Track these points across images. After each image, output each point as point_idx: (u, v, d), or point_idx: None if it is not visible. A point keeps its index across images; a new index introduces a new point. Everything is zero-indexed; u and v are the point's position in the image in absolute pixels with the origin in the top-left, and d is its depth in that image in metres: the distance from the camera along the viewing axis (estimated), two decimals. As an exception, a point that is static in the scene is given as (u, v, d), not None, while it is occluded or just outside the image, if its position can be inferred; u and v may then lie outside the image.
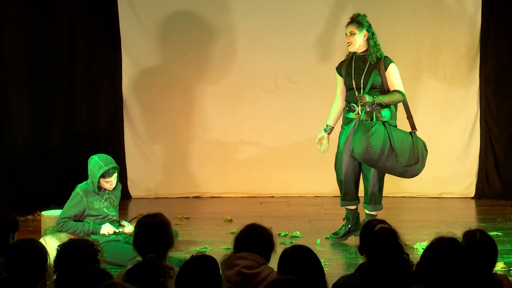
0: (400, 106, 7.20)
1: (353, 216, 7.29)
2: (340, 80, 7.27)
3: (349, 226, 7.27)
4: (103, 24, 9.47)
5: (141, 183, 9.66)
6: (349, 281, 4.18)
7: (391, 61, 7.13)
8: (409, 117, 7.15)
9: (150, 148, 9.65)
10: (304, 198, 9.40)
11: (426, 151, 7.11)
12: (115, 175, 6.77)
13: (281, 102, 9.41)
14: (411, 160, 6.95)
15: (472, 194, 9.39)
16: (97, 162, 6.71)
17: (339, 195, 7.34)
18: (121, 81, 9.56)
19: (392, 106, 7.07)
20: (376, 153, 6.78)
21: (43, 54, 9.16)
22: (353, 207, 7.30)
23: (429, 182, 9.33)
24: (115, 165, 6.79)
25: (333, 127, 7.33)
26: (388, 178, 9.15)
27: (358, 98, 6.94)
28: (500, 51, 9.20)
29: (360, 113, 7.01)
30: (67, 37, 9.29)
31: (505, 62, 9.20)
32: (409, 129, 7.17)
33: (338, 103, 7.31)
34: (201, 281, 3.84)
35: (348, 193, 7.23)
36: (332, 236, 7.25)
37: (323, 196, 9.19)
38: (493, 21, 9.16)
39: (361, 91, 7.04)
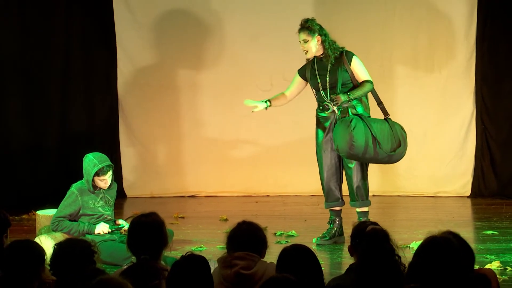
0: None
1: (338, 218, 7.30)
2: (296, 81, 7.33)
3: (335, 228, 7.27)
4: (99, 22, 9.46)
5: (136, 182, 9.66)
6: (340, 282, 4.19)
7: (353, 54, 7.16)
8: (380, 104, 7.18)
9: (146, 147, 9.65)
10: (300, 197, 9.41)
11: (405, 132, 7.13)
12: (110, 173, 6.77)
13: (277, 100, 9.41)
14: (394, 145, 6.99)
15: (468, 193, 9.39)
16: (92, 160, 6.71)
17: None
18: (116, 79, 9.55)
19: (363, 98, 7.11)
20: (361, 146, 6.82)
21: (38, 52, 9.16)
22: (337, 209, 7.28)
23: (425, 181, 9.35)
24: (110, 163, 6.78)
25: (271, 105, 7.32)
26: (384, 177, 9.21)
27: (333, 99, 6.98)
28: (497, 50, 9.20)
29: (335, 111, 7.05)
30: (62, 35, 9.28)
31: (501, 61, 9.20)
32: (381, 116, 7.21)
33: (285, 95, 7.36)
34: (192, 281, 3.86)
35: (330, 194, 7.22)
36: (319, 239, 7.24)
37: (319, 195, 9.12)
38: (489, 19, 9.16)
39: (327, 91, 7.07)
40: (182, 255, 4.01)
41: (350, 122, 6.86)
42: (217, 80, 9.52)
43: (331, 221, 7.28)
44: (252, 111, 7.40)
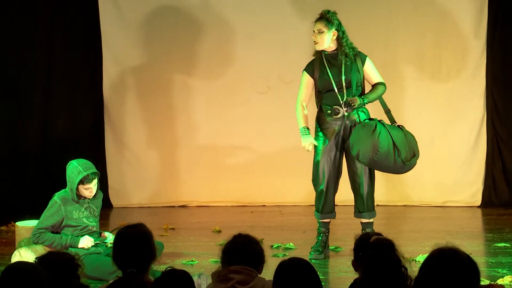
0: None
1: (327, 231, 7.30)
2: (308, 82, 7.20)
3: (325, 240, 7.27)
4: (83, 19, 9.46)
5: (123, 191, 9.65)
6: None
7: (366, 56, 7.15)
8: (387, 111, 7.13)
9: (133, 154, 9.65)
10: (298, 207, 9.41)
11: (416, 142, 7.10)
12: (95, 181, 6.76)
13: (273, 103, 9.42)
14: (409, 155, 6.96)
15: (479, 203, 9.40)
16: (76, 167, 6.70)
17: (335, 204, 7.33)
18: (101, 81, 9.56)
19: None
20: (385, 153, 6.80)
21: (19, 51, 9.16)
22: (328, 220, 7.28)
23: (433, 190, 9.36)
24: (95, 170, 6.78)
25: (309, 128, 7.22)
26: (389, 186, 9.22)
27: (349, 102, 6.94)
28: (508, 49, 9.21)
29: (345, 116, 7.02)
30: (44, 33, 9.29)
31: (513, 61, 9.25)
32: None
33: (304, 105, 7.21)
34: None
35: (327, 205, 7.19)
36: (312, 253, 7.23)
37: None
38: (501, 16, 9.18)
39: (343, 90, 7.03)
40: (163, 271, 4.02)
41: (375, 127, 6.83)
42: (210, 82, 9.52)
43: (321, 233, 7.26)
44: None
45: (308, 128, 7.19)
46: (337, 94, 7.04)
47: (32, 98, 9.28)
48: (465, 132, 9.34)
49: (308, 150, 7.20)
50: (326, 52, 7.12)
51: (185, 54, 9.52)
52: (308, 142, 7.15)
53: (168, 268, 4.03)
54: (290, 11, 9.33)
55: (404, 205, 9.45)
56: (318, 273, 4.11)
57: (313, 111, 7.29)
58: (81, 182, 6.69)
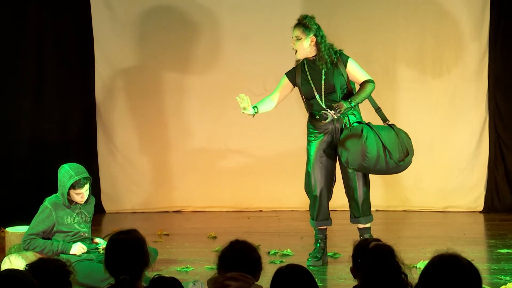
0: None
1: (325, 237, 7.30)
2: (285, 85, 7.26)
3: (323, 247, 7.26)
4: (74, 20, 9.45)
5: (116, 196, 9.64)
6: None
7: (348, 56, 7.10)
8: (378, 110, 7.12)
9: (126, 157, 9.64)
10: (296, 212, 9.41)
11: (410, 139, 7.09)
12: (87, 186, 6.75)
13: (270, 106, 9.42)
14: (402, 154, 6.95)
15: (481, 208, 9.40)
16: (68, 172, 6.69)
17: (332, 210, 7.34)
18: (94, 83, 9.54)
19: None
20: (374, 157, 6.79)
21: (8, 52, 9.15)
22: (324, 227, 7.29)
23: (434, 195, 9.35)
24: (88, 175, 6.77)
25: (258, 111, 7.17)
26: (388, 190, 9.21)
27: (336, 107, 6.91)
28: (511, 50, 9.23)
29: (334, 120, 7.00)
30: (34, 34, 9.28)
31: (516, 63, 9.25)
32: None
33: (271, 99, 7.25)
34: None
35: (322, 212, 7.19)
36: (309, 260, 7.23)
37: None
38: (503, 16, 9.18)
39: (323, 97, 7.03)
40: (151, 279, 4.01)
41: (362, 131, 6.83)
42: (206, 84, 9.51)
43: (319, 240, 7.26)
44: (242, 112, 7.25)
45: (255, 106, 7.14)
46: (320, 100, 7.04)
47: (22, 100, 9.27)
48: (467, 135, 9.34)
49: (243, 108, 7.09)
50: (307, 58, 7.12)
51: (179, 55, 9.51)
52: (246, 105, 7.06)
53: (156, 276, 4.03)
54: (287, 12, 9.30)
55: (404, 210, 9.45)
56: (316, 280, 4.11)
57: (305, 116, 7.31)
58: (73, 186, 6.68)
